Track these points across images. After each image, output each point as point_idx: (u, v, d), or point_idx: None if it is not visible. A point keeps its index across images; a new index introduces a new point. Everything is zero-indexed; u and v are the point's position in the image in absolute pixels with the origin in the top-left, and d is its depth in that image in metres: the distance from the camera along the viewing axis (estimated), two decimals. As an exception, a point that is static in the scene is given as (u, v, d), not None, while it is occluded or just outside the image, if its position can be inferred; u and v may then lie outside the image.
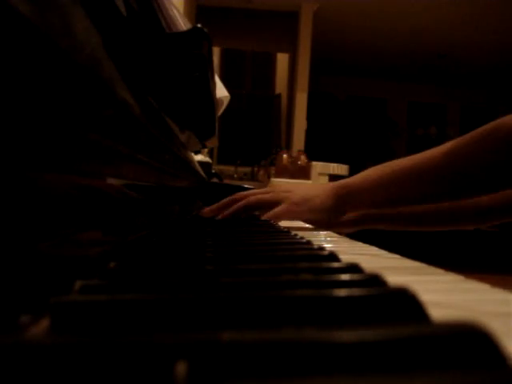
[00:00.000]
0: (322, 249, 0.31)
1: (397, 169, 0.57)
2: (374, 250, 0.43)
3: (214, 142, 0.94)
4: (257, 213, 0.75)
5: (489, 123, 0.49)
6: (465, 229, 0.72)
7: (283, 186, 0.71)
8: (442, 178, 0.52)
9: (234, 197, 0.69)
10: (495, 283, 0.25)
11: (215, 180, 1.43)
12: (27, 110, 0.17)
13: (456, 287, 0.25)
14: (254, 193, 0.69)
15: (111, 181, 0.31)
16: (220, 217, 0.66)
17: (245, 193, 0.70)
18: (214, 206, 0.70)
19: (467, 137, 0.50)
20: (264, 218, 0.63)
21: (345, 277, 0.20)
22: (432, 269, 0.31)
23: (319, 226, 0.70)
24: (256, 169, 4.28)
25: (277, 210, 0.62)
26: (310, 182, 3.25)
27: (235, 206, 0.66)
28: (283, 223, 0.66)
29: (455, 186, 0.52)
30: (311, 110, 4.58)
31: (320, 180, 3.27)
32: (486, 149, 0.48)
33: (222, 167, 4.21)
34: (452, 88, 6.70)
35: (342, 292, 0.16)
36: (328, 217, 0.64)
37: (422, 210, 0.69)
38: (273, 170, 3.71)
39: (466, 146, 0.50)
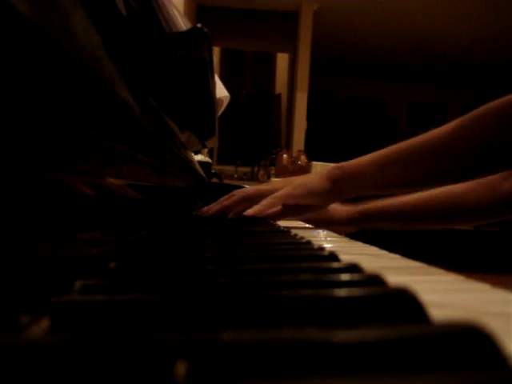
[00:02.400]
0: (321, 249, 0.31)
1: (394, 150, 0.56)
2: (374, 250, 0.43)
3: (213, 142, 0.94)
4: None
5: (493, 101, 0.48)
6: (463, 226, 0.72)
7: (281, 181, 0.71)
8: (443, 157, 0.51)
9: (231, 194, 0.69)
10: (495, 283, 0.25)
11: (215, 180, 1.43)
12: (27, 109, 0.17)
13: (456, 287, 0.25)
14: (252, 187, 0.70)
15: (111, 181, 0.31)
16: (218, 206, 0.67)
17: (242, 189, 0.70)
18: (212, 205, 0.70)
19: (471, 115, 0.50)
20: (264, 201, 0.63)
21: (345, 277, 0.20)
22: (432, 269, 0.31)
23: (319, 223, 0.70)
24: (256, 169, 4.27)
25: (277, 193, 0.63)
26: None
27: (235, 198, 0.66)
28: (283, 223, 0.66)
29: (456, 165, 0.51)
30: (311, 110, 4.58)
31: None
32: (492, 127, 0.48)
33: (221, 167, 4.20)
34: (452, 88, 6.70)
35: (342, 292, 0.16)
36: (326, 200, 0.64)
37: (419, 208, 0.69)
38: (273, 170, 3.71)
39: (471, 124, 0.49)
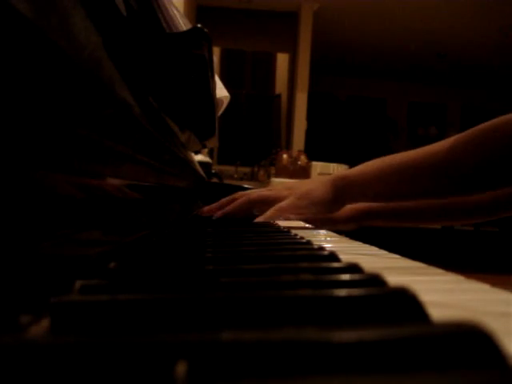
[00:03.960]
0: (321, 249, 0.31)
1: (397, 162, 0.57)
2: (374, 250, 0.43)
3: (213, 142, 0.94)
4: (256, 213, 0.74)
5: (491, 120, 0.48)
6: (463, 224, 0.72)
7: (283, 185, 0.70)
8: (441, 174, 0.52)
9: (233, 196, 0.69)
10: (495, 283, 0.25)
11: (215, 180, 1.43)
12: (27, 110, 0.17)
13: (456, 287, 0.25)
14: (254, 191, 0.70)
15: (111, 181, 0.31)
16: (220, 213, 0.66)
17: (245, 192, 0.70)
18: (214, 205, 0.69)
19: (468, 133, 0.50)
20: (268, 213, 0.62)
21: (345, 277, 0.20)
22: (432, 269, 0.31)
23: (319, 221, 0.70)
24: (256, 169, 4.28)
25: (281, 204, 0.62)
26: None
27: (237, 202, 0.66)
28: (283, 223, 0.66)
29: (455, 183, 0.52)
30: (311, 110, 4.58)
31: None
32: (488, 146, 0.48)
33: (221, 167, 4.20)
34: (452, 88, 6.70)
35: (341, 292, 0.16)
36: (329, 209, 0.64)
37: (419, 207, 0.69)
38: (273, 170, 3.71)
39: (467, 143, 0.50)
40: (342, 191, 0.62)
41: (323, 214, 0.68)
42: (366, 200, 0.63)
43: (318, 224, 0.71)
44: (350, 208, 0.73)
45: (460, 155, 0.50)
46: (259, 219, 0.63)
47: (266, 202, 0.65)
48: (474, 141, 0.49)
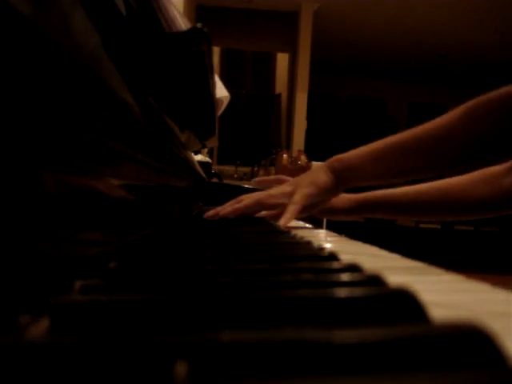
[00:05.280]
0: (322, 249, 0.31)
1: (390, 142, 0.57)
2: (374, 249, 0.43)
3: (213, 142, 0.94)
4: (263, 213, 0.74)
5: (506, 87, 0.48)
6: (461, 219, 0.72)
7: (288, 184, 0.69)
8: (456, 146, 0.52)
9: (238, 199, 0.68)
10: (496, 283, 0.25)
11: (215, 180, 1.43)
12: (27, 109, 0.17)
13: (456, 287, 0.25)
14: (259, 192, 0.69)
15: (111, 181, 0.31)
16: (230, 209, 0.65)
17: (250, 194, 0.69)
18: (219, 208, 0.68)
19: (481, 102, 0.50)
20: (291, 209, 0.61)
21: (345, 277, 0.20)
22: (432, 269, 0.31)
23: (321, 213, 0.70)
24: (256, 169, 4.28)
25: (295, 198, 0.62)
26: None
27: (245, 203, 0.65)
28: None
29: (468, 153, 0.52)
30: (311, 110, 4.58)
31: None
32: (494, 117, 0.48)
33: (221, 167, 4.21)
34: (452, 88, 6.70)
35: (342, 292, 0.16)
36: (332, 194, 0.65)
37: (421, 202, 0.70)
38: (273, 169, 3.72)
39: (485, 112, 0.50)
40: (340, 174, 0.63)
41: (324, 204, 0.68)
42: (364, 181, 0.63)
43: (317, 214, 0.71)
44: (348, 198, 0.73)
45: (477, 126, 0.50)
46: (286, 218, 0.61)
47: (275, 198, 0.65)
48: (493, 108, 0.49)
